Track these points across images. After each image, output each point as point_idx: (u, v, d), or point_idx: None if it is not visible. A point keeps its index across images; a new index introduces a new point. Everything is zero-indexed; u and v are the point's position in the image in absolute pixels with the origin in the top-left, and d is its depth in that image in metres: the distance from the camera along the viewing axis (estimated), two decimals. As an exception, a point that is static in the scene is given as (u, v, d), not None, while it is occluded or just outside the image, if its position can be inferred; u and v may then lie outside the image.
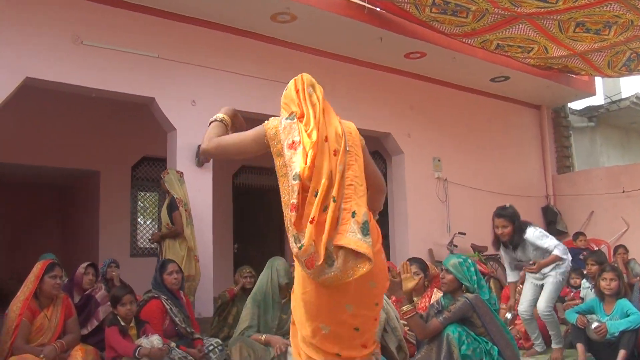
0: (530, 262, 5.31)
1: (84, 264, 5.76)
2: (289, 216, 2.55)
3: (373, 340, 2.76)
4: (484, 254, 9.46)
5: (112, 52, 6.82)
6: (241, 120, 3.01)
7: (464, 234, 9.33)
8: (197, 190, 7.29)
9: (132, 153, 10.28)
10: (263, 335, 5.00)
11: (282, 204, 2.62)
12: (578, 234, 9.40)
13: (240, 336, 5.00)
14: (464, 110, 10.44)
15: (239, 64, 7.80)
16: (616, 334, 4.86)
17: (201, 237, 7.06)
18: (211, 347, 5.14)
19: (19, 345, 4.43)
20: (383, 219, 10.17)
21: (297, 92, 2.84)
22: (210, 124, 2.91)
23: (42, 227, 12.90)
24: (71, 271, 6.76)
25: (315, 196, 2.53)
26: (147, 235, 10.76)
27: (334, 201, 2.53)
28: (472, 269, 4.07)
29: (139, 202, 10.74)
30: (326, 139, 2.66)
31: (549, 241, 5.28)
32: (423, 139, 9.69)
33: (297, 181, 2.55)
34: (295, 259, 2.57)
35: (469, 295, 3.93)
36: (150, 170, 10.62)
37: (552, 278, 5.32)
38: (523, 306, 5.51)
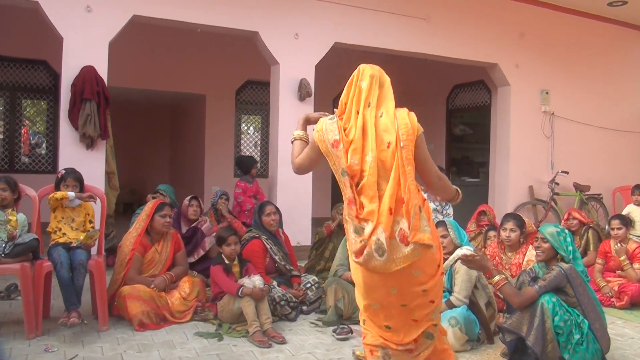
0: None
1: (188, 197, 6.21)
2: (349, 210, 2.72)
3: (427, 318, 2.93)
4: (586, 193, 9.15)
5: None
6: (316, 118, 3.07)
7: (567, 172, 9.01)
8: (300, 123, 7.43)
9: (236, 77, 10.55)
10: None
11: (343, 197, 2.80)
12: None
13: (335, 278, 5.20)
14: (577, 38, 9.83)
15: (340, -5, 7.70)
16: None
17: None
18: (308, 285, 5.41)
19: (131, 276, 4.93)
20: (483, 152, 9.98)
21: (351, 84, 2.87)
22: (292, 142, 3.11)
23: (154, 146, 13.75)
24: (179, 190, 7.40)
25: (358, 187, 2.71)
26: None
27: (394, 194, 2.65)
28: (569, 239, 4.00)
29: (243, 125, 11.08)
30: (364, 133, 2.72)
31: None
32: (531, 69, 9.26)
33: (345, 177, 2.70)
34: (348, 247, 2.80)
35: (563, 265, 3.88)
36: (253, 93, 10.87)
37: None
38: None
